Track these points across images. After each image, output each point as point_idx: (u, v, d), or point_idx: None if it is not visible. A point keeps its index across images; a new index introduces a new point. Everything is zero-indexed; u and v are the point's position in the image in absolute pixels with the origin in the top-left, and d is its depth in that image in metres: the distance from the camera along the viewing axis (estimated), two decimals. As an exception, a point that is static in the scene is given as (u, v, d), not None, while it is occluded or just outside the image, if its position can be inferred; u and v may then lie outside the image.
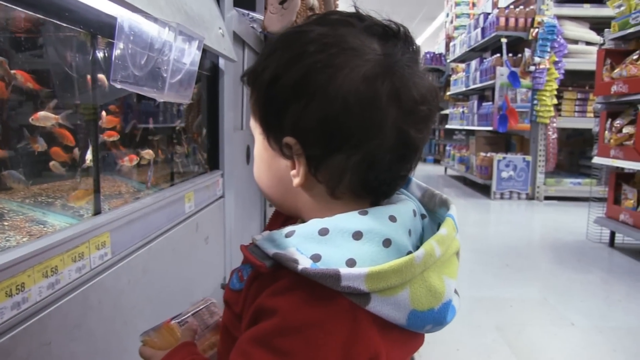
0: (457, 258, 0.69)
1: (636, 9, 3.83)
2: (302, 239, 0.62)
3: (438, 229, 0.68)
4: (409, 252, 0.62)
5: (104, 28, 1.17)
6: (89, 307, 1.02)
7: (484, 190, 7.25)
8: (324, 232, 0.61)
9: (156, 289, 1.40)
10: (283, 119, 0.64)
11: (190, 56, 1.39)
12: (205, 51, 1.81)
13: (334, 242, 0.61)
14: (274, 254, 0.61)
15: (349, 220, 0.63)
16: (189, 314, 0.86)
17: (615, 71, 4.03)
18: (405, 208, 0.68)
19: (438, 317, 0.62)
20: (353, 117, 0.62)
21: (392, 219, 0.64)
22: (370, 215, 0.64)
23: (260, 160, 0.73)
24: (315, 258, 0.59)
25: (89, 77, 1.20)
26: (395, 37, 0.67)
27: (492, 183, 6.79)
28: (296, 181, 0.67)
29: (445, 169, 10.33)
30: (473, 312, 2.87)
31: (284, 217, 0.82)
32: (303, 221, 0.69)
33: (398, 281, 0.59)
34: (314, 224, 0.63)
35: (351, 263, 0.59)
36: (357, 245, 0.61)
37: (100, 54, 1.22)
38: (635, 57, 3.86)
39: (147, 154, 1.58)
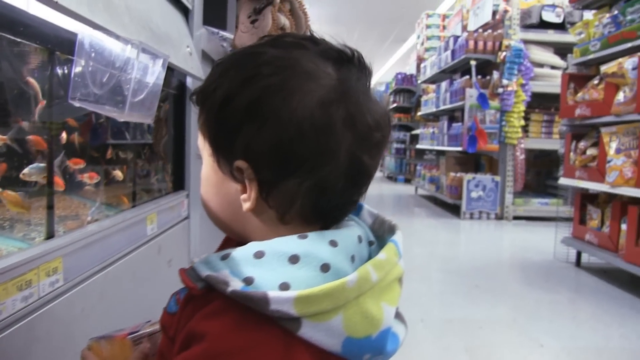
0: (399, 284, 0.66)
1: (594, 37, 3.93)
2: (237, 261, 0.60)
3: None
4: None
5: (63, 44, 1.13)
6: (35, 339, 0.95)
7: (454, 210, 7.31)
8: (259, 254, 0.60)
9: (114, 316, 1.34)
10: (234, 141, 0.63)
11: (154, 75, 1.35)
12: (173, 70, 1.78)
13: (268, 265, 0.59)
14: (207, 275, 0.59)
15: (287, 243, 0.61)
16: (146, 333, 0.82)
17: (579, 95, 4.12)
18: (349, 233, 0.66)
19: (376, 345, 0.60)
20: (307, 142, 0.61)
21: (333, 243, 0.62)
22: (309, 239, 0.62)
23: (207, 183, 0.70)
24: (248, 281, 0.58)
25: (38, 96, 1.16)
26: (349, 62, 0.66)
27: (461, 203, 6.85)
28: (246, 206, 0.65)
29: (416, 188, 10.39)
30: (442, 334, 2.85)
31: (235, 241, 0.80)
32: None
33: (330, 306, 0.57)
34: (251, 247, 0.61)
35: (284, 287, 0.57)
36: (292, 270, 0.59)
37: (59, 71, 1.18)
38: (596, 81, 3.95)
39: (117, 174, 1.54)
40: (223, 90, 0.63)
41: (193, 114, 2.08)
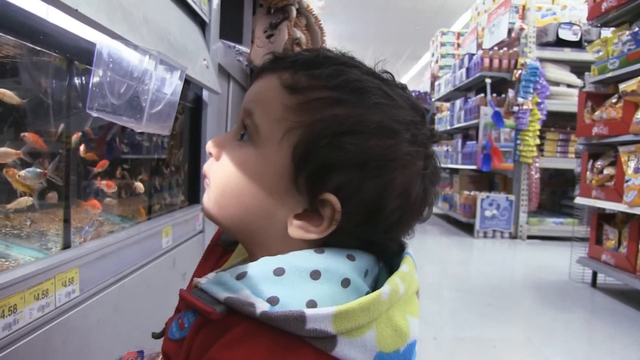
0: (417, 297, 0.65)
1: (613, 55, 3.90)
2: (256, 280, 0.57)
3: (390, 273, 0.64)
4: (367, 293, 0.58)
5: (81, 54, 1.13)
6: (52, 349, 0.95)
7: (467, 228, 7.24)
8: (279, 272, 0.57)
9: (128, 328, 1.33)
10: (330, 173, 0.61)
11: (172, 86, 1.35)
12: (189, 82, 1.78)
13: (291, 283, 0.57)
14: (226, 298, 0.56)
15: (306, 258, 0.59)
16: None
17: (596, 113, 4.08)
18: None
19: (403, 359, 0.57)
20: (398, 213, 0.64)
21: (351, 257, 0.61)
22: (327, 253, 0.60)
23: (243, 171, 0.65)
24: (273, 301, 0.55)
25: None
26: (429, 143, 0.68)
27: (475, 221, 6.79)
28: (298, 234, 0.63)
29: (429, 206, 10.31)
30: (455, 353, 2.81)
31: (219, 253, 0.78)
32: (249, 256, 0.67)
33: (365, 320, 0.55)
34: (267, 264, 0.58)
35: (312, 305, 0.55)
36: (315, 286, 0.57)
37: (77, 81, 1.18)
38: (614, 100, 3.92)
39: (138, 186, 1.54)
40: (350, 118, 0.61)
41: (209, 126, 2.09)
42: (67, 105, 1.15)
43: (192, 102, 2.04)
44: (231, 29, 2.60)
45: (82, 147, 1.26)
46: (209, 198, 0.69)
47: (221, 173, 0.67)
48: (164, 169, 1.90)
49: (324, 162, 0.60)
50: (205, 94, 2.08)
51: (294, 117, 0.62)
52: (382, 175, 0.61)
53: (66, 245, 1.12)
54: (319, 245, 0.64)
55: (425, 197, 0.66)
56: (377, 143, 0.60)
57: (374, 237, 0.64)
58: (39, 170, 1.09)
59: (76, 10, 0.84)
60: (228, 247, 0.80)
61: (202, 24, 2.02)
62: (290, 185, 0.62)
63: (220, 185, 0.67)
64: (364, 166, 0.60)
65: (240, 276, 0.58)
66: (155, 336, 0.74)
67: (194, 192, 2.12)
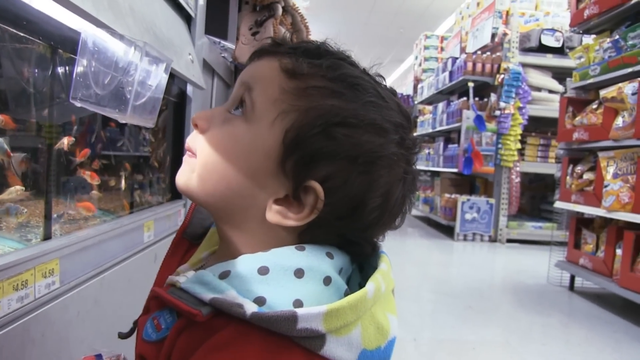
0: (393, 295, 0.65)
1: (594, 62, 3.95)
2: (241, 280, 0.56)
3: (360, 270, 0.65)
4: (346, 291, 0.59)
5: (66, 42, 1.11)
6: (30, 341, 0.93)
7: (448, 231, 7.29)
8: (264, 271, 0.57)
9: (108, 321, 1.31)
10: (323, 164, 0.61)
11: (157, 79, 1.34)
12: (173, 76, 1.77)
13: (276, 282, 0.56)
14: (212, 299, 0.55)
15: (288, 256, 0.59)
16: None
17: (577, 119, 4.13)
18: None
19: (384, 356, 0.58)
20: (379, 210, 0.64)
21: (330, 255, 0.61)
22: (308, 251, 0.60)
23: (232, 147, 0.64)
24: (260, 301, 0.54)
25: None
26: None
27: (455, 224, 6.83)
28: (276, 219, 0.62)
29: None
30: (434, 354, 2.82)
31: (185, 247, 0.78)
32: (221, 241, 0.67)
33: (353, 318, 0.55)
34: (251, 262, 0.58)
35: (298, 304, 0.54)
36: (300, 285, 0.57)
37: (60, 70, 1.16)
38: (594, 106, 3.97)
39: (120, 181, 1.52)
40: (343, 111, 0.61)
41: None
42: (50, 94, 1.13)
43: (176, 97, 2.02)
44: (216, 25, 2.58)
45: (65, 141, 1.24)
46: (190, 170, 0.67)
47: (208, 145, 0.65)
48: (147, 163, 1.88)
49: (314, 149, 0.60)
50: (189, 89, 2.06)
51: (291, 100, 0.62)
52: (369, 172, 0.61)
53: (47, 237, 1.10)
54: (295, 238, 0.64)
55: (402, 203, 0.67)
56: (369, 139, 0.61)
57: (351, 233, 0.64)
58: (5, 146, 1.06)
59: (63, -5, 0.82)
60: (194, 240, 0.79)
61: (187, 19, 2.00)
62: (276, 167, 0.62)
63: (206, 157, 0.65)
64: (354, 160, 0.60)
65: (224, 275, 0.57)
66: (122, 336, 0.73)
67: (176, 187, 2.10)
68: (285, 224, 0.62)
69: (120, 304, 1.39)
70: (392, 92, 0.68)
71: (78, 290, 1.13)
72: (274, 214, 0.62)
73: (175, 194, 2.09)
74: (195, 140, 0.67)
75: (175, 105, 2.02)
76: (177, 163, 2.08)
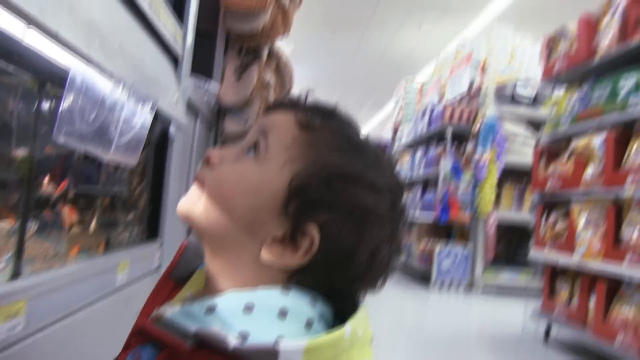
0: (370, 347, 0.68)
1: (565, 113, 4.07)
2: (226, 315, 0.59)
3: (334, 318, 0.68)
4: None
5: (54, 78, 1.12)
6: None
7: (424, 278, 7.28)
8: (249, 308, 0.59)
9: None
10: (318, 209, 0.65)
11: (142, 118, 1.35)
12: (157, 115, 1.77)
13: (260, 320, 0.59)
14: (197, 331, 0.56)
15: (275, 297, 0.62)
16: None
17: (550, 168, 4.22)
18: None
19: None
20: (367, 261, 0.67)
21: (314, 301, 0.64)
22: (293, 294, 0.63)
23: (243, 184, 0.69)
24: (243, 336, 0.56)
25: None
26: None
27: (432, 272, 6.83)
28: (270, 259, 0.66)
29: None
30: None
31: (171, 287, 0.79)
32: (210, 279, 0.69)
33: (331, 356, 0.57)
34: (237, 299, 0.61)
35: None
36: (283, 324, 0.59)
37: (46, 104, 1.16)
38: (566, 156, 4.07)
39: (93, 220, 1.50)
40: (350, 168, 0.67)
41: (174, 162, 2.07)
42: (35, 128, 1.13)
43: (158, 137, 2.02)
44: (202, 66, 2.62)
45: (46, 180, 1.23)
46: (196, 197, 0.70)
47: (219, 177, 0.70)
48: (123, 202, 1.87)
49: (316, 197, 0.65)
50: (172, 129, 2.07)
51: (301, 150, 0.68)
52: (362, 226, 0.66)
53: (15, 274, 1.08)
54: (283, 280, 0.66)
55: (387, 263, 0.71)
56: (365, 196, 0.66)
57: (337, 283, 0.67)
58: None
59: (56, 33, 0.83)
60: (180, 282, 0.81)
61: (174, 59, 2.03)
62: (279, 208, 0.66)
63: (215, 188, 0.70)
64: (350, 213, 0.65)
65: (210, 309, 0.59)
66: None
67: (153, 227, 2.08)
68: (279, 263, 0.65)
69: (88, 348, 1.35)
70: (390, 159, 0.74)
71: (45, 332, 1.10)
72: (269, 252, 0.66)
73: (150, 235, 2.07)
74: (205, 172, 0.72)
75: (156, 144, 2.02)
76: (155, 203, 2.07)
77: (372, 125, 19.02)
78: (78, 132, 1.11)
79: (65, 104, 1.07)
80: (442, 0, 9.20)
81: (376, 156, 0.70)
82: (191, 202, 0.71)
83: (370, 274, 0.70)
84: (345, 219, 0.65)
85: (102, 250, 1.62)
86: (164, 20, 1.75)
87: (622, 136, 3.26)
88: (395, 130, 11.21)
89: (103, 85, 1.15)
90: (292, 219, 0.65)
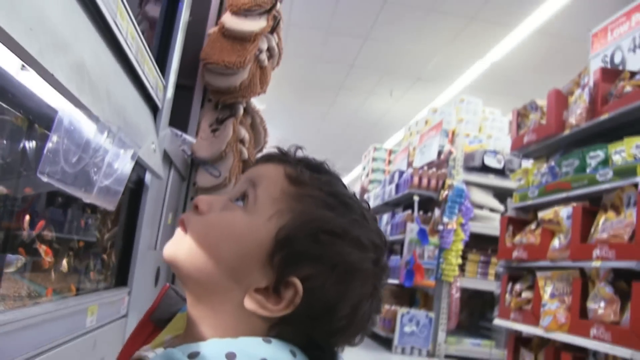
0: None
1: (533, 184, 4.19)
2: None
3: None
4: None
5: (41, 118, 1.13)
6: None
7: (386, 343, 7.19)
8: (231, 356, 0.60)
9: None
10: (303, 261, 0.67)
11: (123, 163, 1.35)
12: (135, 162, 1.77)
13: None
14: None
15: (256, 346, 0.63)
16: None
17: (516, 238, 4.30)
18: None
19: None
20: (348, 316, 0.69)
21: (293, 353, 0.65)
22: (274, 344, 0.64)
23: (229, 232, 0.70)
24: None
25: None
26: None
27: (394, 336, 6.77)
28: (252, 307, 0.67)
29: (349, 317, 10.22)
30: None
31: (150, 330, 0.80)
32: (190, 325, 0.70)
33: None
34: (219, 346, 0.61)
35: None
36: None
37: (29, 144, 1.16)
38: (533, 226, 4.15)
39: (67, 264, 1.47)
40: (334, 223, 0.69)
41: (147, 210, 2.06)
42: (19, 166, 1.12)
43: (133, 184, 2.01)
44: (178, 118, 2.64)
45: (26, 219, 1.21)
46: (180, 242, 0.71)
47: (206, 224, 0.71)
48: (94, 246, 1.84)
49: (301, 250, 0.67)
50: (147, 177, 2.07)
51: (288, 202, 0.70)
52: (345, 281, 0.68)
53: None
54: (265, 330, 0.67)
55: (367, 319, 0.73)
56: (351, 252, 0.68)
57: (317, 335, 0.69)
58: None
59: (52, 75, 0.85)
60: (160, 324, 0.81)
61: (154, 109, 2.05)
62: (265, 258, 0.67)
63: (202, 235, 0.70)
64: (334, 267, 0.67)
65: (193, 355, 0.59)
66: None
67: (123, 274, 2.04)
68: (261, 313, 0.66)
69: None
70: (374, 217, 0.77)
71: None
72: (252, 301, 0.67)
73: (121, 280, 2.03)
74: (190, 218, 0.73)
75: (131, 191, 2.01)
76: (126, 250, 2.04)
77: (340, 188, 19.17)
78: (61, 173, 1.11)
79: (51, 144, 1.07)
80: (413, 69, 9.54)
81: (362, 213, 0.72)
82: (176, 247, 0.72)
83: (351, 329, 0.71)
84: (329, 273, 0.66)
85: (73, 293, 1.59)
86: (148, 71, 1.78)
87: (589, 209, 3.34)
88: (362, 195, 11.32)
89: (88, 129, 1.16)
90: (277, 271, 0.67)
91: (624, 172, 2.98)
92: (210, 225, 0.70)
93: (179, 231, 0.73)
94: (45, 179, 1.07)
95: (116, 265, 2.01)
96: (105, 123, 1.17)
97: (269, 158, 0.77)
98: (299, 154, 0.79)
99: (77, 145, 1.14)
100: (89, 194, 1.16)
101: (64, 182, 1.12)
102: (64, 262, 1.54)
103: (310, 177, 0.72)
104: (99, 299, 1.65)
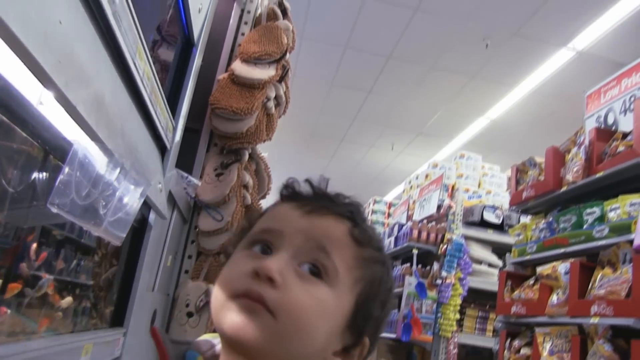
0: None
1: (531, 240, 4.20)
2: None
3: None
4: None
5: (57, 149, 1.15)
6: None
7: (382, 398, 7.05)
8: None
9: None
10: (371, 322, 0.75)
11: (133, 200, 1.37)
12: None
13: None
14: None
15: None
16: None
17: (515, 293, 4.27)
18: None
19: None
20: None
21: None
22: None
23: (324, 311, 0.69)
24: None
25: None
26: None
27: (390, 392, 6.63)
28: None
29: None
30: None
31: None
32: None
33: None
34: None
35: None
36: None
37: (41, 175, 1.19)
38: (531, 282, 4.14)
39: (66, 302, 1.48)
40: (390, 285, 0.79)
41: (149, 249, 2.06)
42: (31, 197, 1.14)
43: (137, 222, 2.03)
44: (184, 160, 2.67)
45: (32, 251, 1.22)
46: (263, 322, 0.66)
47: (296, 304, 0.67)
48: (94, 285, 1.84)
49: (375, 314, 0.74)
50: (152, 217, 2.08)
51: (361, 268, 0.74)
52: (388, 315, 0.78)
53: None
54: None
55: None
56: (392, 299, 0.79)
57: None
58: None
59: (75, 107, 0.88)
60: None
61: (162, 149, 2.08)
62: (345, 324, 0.72)
63: (294, 315, 0.67)
64: (387, 316, 0.78)
65: None
66: None
67: (119, 314, 2.03)
68: None
69: None
70: None
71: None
72: None
73: (117, 321, 2.01)
74: (270, 294, 0.67)
75: (134, 229, 2.03)
76: (125, 289, 2.04)
77: (338, 239, 19.09)
78: (70, 205, 1.13)
79: (63, 176, 1.09)
80: (415, 124, 9.68)
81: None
82: (258, 327, 0.66)
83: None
84: (385, 324, 0.77)
85: (69, 330, 1.58)
86: (160, 111, 1.82)
87: (587, 265, 3.35)
88: (362, 246, 11.25)
89: (102, 163, 1.19)
90: (356, 334, 0.72)
91: (620, 228, 3.01)
92: (301, 306, 0.66)
93: (251, 307, 0.66)
94: (54, 209, 1.08)
95: (114, 304, 2.00)
96: (118, 158, 1.19)
97: (316, 207, 0.75)
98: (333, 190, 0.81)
99: (89, 179, 1.16)
100: (98, 227, 1.17)
101: (73, 214, 1.13)
102: (62, 299, 1.54)
103: (368, 235, 0.76)
104: (94, 337, 1.63)
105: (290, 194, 0.80)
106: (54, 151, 1.16)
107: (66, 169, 1.10)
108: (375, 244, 0.76)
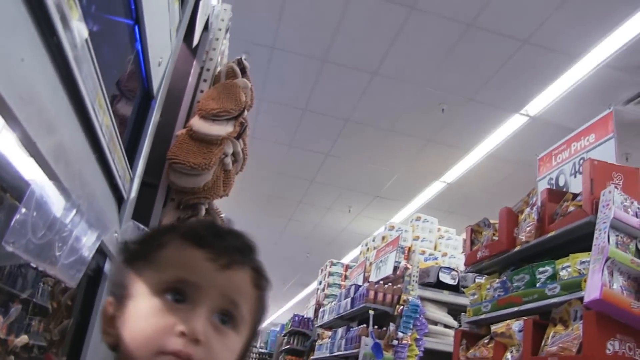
0: None
1: (486, 299, 4.27)
2: None
3: None
4: None
5: (13, 188, 1.16)
6: None
7: None
8: None
9: None
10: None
11: (88, 243, 1.37)
12: (97, 249, 1.78)
13: None
14: None
15: None
16: None
17: (470, 351, 4.29)
18: None
19: None
20: None
21: None
22: None
23: (234, 353, 0.83)
24: None
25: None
26: None
27: None
28: None
29: None
30: None
31: None
32: None
33: None
34: None
35: None
36: None
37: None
38: (486, 340, 4.17)
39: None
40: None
41: (103, 300, 2.02)
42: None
43: (92, 271, 2.00)
44: (141, 213, 2.66)
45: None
46: None
47: (214, 358, 0.78)
48: (43, 341, 1.79)
49: (256, 337, 0.92)
50: (107, 266, 2.05)
51: (258, 307, 0.88)
52: None
53: None
54: None
55: None
56: None
57: None
58: None
59: (35, 143, 0.90)
60: None
61: (119, 200, 2.08)
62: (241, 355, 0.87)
63: None
64: None
65: None
66: None
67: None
68: None
69: None
70: None
71: None
72: None
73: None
74: (198, 352, 0.76)
75: (89, 279, 1.99)
76: (77, 342, 1.97)
77: (295, 302, 18.86)
78: (25, 245, 1.12)
79: (19, 215, 1.10)
80: (372, 187, 9.83)
81: None
82: None
83: None
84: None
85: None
86: (118, 161, 1.84)
87: (540, 323, 3.41)
88: (317, 308, 11.17)
89: (59, 205, 1.20)
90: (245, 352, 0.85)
91: (571, 286, 3.10)
92: (221, 359, 0.79)
93: None
94: (10, 248, 1.08)
95: (66, 357, 1.94)
96: (76, 200, 1.21)
97: (233, 261, 0.83)
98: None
99: (45, 220, 1.17)
100: (53, 266, 1.17)
101: (28, 254, 1.13)
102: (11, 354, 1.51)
103: (265, 281, 0.89)
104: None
105: (199, 240, 0.84)
106: (11, 190, 1.17)
107: (22, 210, 1.10)
108: (268, 282, 0.89)
